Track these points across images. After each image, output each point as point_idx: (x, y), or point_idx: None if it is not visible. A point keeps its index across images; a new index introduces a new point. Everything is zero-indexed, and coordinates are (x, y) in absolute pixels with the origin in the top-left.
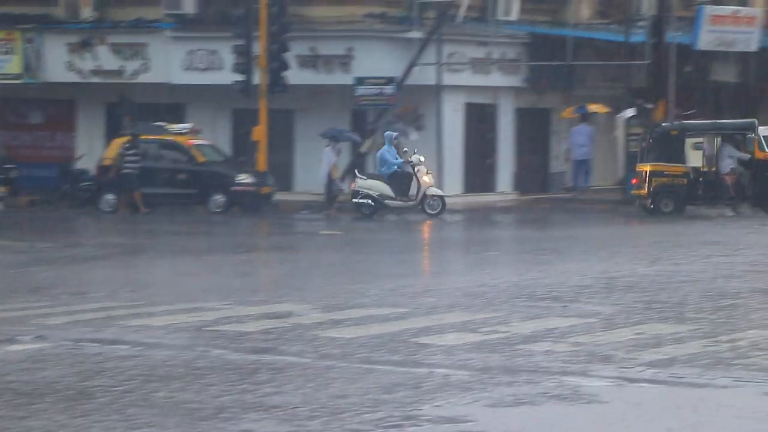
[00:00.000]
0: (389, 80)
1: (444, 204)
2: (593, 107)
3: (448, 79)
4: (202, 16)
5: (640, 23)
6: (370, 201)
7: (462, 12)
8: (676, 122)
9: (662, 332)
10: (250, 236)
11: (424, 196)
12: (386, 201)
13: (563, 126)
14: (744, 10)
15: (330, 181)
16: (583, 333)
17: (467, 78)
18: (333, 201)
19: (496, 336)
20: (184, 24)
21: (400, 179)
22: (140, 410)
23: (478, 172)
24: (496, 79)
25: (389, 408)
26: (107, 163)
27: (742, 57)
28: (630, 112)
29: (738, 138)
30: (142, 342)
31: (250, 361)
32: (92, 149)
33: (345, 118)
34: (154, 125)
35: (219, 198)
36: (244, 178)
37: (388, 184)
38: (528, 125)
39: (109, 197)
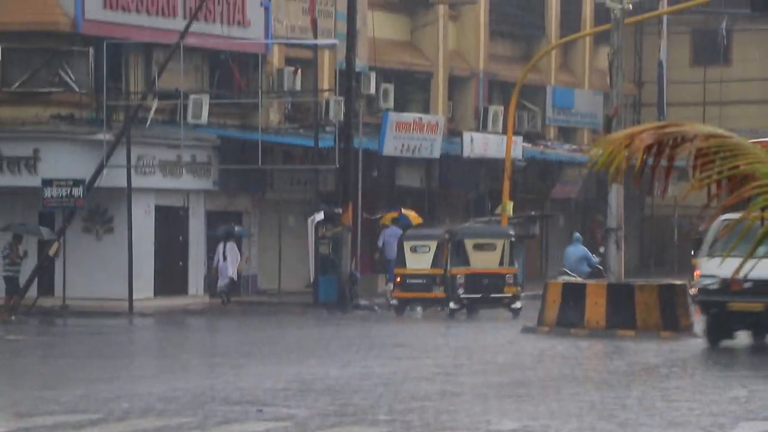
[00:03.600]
0: (78, 182)
1: None
2: (406, 212)
3: (138, 181)
4: None
5: (328, 129)
6: None
7: (151, 115)
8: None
9: None
10: None
11: None
12: None
13: (254, 228)
14: (427, 118)
15: (237, 276)
16: None
17: (157, 180)
18: (228, 294)
19: None
20: None
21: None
22: None
23: (169, 275)
24: (187, 181)
25: None
26: None
27: (425, 162)
28: (319, 216)
29: None
30: None
31: None
32: None
33: (33, 219)
34: None
35: None
36: None
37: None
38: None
39: None
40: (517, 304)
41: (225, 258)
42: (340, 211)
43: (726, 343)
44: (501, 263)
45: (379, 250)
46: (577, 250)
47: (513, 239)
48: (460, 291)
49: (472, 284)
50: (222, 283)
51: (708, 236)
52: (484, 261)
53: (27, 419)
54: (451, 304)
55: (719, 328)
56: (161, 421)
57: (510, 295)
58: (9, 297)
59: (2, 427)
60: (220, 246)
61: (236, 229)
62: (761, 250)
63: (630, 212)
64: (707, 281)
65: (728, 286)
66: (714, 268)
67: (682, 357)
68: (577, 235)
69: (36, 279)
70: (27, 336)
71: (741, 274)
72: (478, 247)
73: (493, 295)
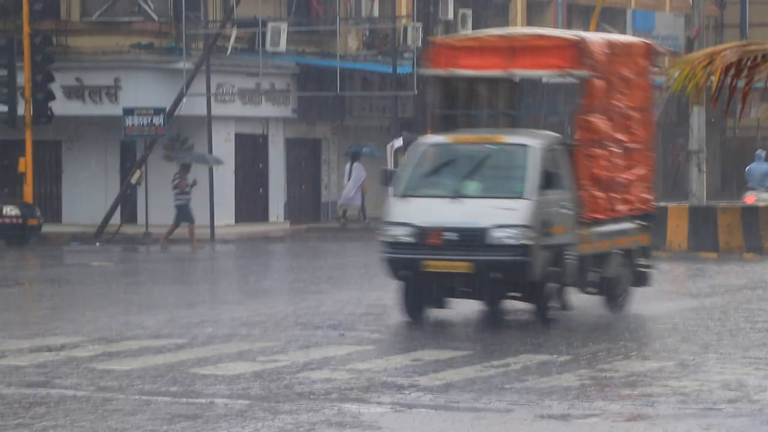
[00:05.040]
0: (158, 111)
1: None
2: None
3: (218, 109)
4: None
5: (406, 55)
6: None
7: (231, 43)
8: None
9: (438, 358)
10: (18, 269)
11: None
12: None
13: (333, 155)
14: None
15: (362, 195)
16: (361, 360)
17: (237, 108)
18: (364, 212)
19: (275, 365)
20: None
21: None
22: None
23: (250, 202)
24: (266, 109)
25: None
26: None
27: None
28: (398, 142)
29: None
30: None
31: (25, 396)
32: None
33: (115, 148)
34: None
35: None
36: (9, 210)
37: None
38: (298, 155)
39: None
40: None
41: (350, 178)
42: (419, 137)
43: (436, 314)
44: None
45: None
46: (760, 166)
47: None
48: None
49: None
50: (342, 202)
51: (404, 169)
52: None
53: (113, 344)
54: None
55: (418, 295)
56: (245, 345)
57: None
58: (188, 226)
59: (89, 351)
60: (347, 165)
61: (364, 149)
62: (469, 187)
63: (711, 135)
64: (398, 231)
65: (425, 238)
66: (408, 212)
67: (766, 279)
68: (760, 152)
69: (119, 207)
70: (112, 263)
71: (437, 221)
72: None
73: None
